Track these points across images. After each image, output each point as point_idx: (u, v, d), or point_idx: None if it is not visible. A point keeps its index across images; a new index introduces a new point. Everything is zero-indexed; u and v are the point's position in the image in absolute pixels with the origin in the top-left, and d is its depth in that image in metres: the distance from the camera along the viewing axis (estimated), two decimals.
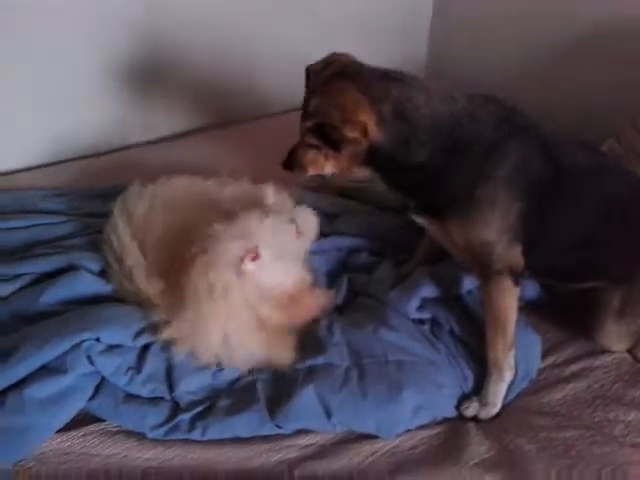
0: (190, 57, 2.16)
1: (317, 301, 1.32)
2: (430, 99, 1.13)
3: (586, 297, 1.34)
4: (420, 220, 1.26)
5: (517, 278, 1.21)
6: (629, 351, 1.35)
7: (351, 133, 1.10)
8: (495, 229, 1.16)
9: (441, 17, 2.80)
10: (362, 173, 1.27)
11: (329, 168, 1.21)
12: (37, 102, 1.91)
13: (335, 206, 1.71)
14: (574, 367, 1.33)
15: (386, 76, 1.14)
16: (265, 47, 2.31)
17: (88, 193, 1.76)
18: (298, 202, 1.47)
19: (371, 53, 1.30)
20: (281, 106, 2.35)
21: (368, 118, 1.10)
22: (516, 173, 1.15)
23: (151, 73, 2.11)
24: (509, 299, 1.21)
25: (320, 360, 1.20)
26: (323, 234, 1.56)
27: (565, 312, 1.43)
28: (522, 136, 1.17)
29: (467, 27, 2.67)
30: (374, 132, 1.11)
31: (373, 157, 1.16)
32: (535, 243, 1.21)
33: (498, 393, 1.22)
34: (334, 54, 1.21)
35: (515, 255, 1.20)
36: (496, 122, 1.16)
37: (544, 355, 1.34)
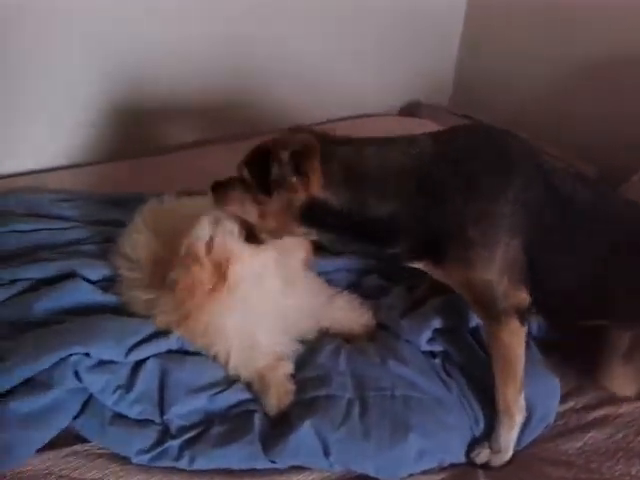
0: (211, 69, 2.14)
1: None
2: (379, 150, 1.07)
3: (592, 336, 1.25)
4: (413, 265, 1.16)
5: (524, 316, 1.12)
6: None
7: (292, 176, 1.01)
8: (494, 269, 1.08)
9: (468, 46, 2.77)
10: (299, 233, 1.12)
11: (253, 214, 1.09)
12: (50, 103, 1.89)
13: None
14: (595, 414, 1.23)
15: (334, 141, 1.08)
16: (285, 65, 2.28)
17: (99, 199, 1.72)
18: None
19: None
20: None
21: (316, 169, 1.02)
22: (512, 209, 1.06)
23: (168, 82, 2.08)
24: (517, 340, 1.12)
25: (322, 392, 1.12)
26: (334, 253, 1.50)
27: (581, 351, 1.33)
28: (518, 169, 1.09)
29: (494, 51, 2.63)
30: (318, 187, 1.03)
31: (314, 215, 1.06)
32: (538, 279, 1.13)
33: (510, 439, 1.13)
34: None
35: (519, 293, 1.11)
36: (481, 156, 1.09)
37: (563, 399, 1.24)
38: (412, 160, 1.06)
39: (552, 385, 1.22)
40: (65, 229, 1.53)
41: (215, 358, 1.18)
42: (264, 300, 1.20)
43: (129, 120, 2.06)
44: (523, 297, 1.12)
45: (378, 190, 1.05)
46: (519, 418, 1.14)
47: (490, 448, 1.13)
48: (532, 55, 2.44)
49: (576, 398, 1.27)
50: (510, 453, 1.14)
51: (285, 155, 1.01)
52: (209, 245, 1.13)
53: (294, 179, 1.02)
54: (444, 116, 2.68)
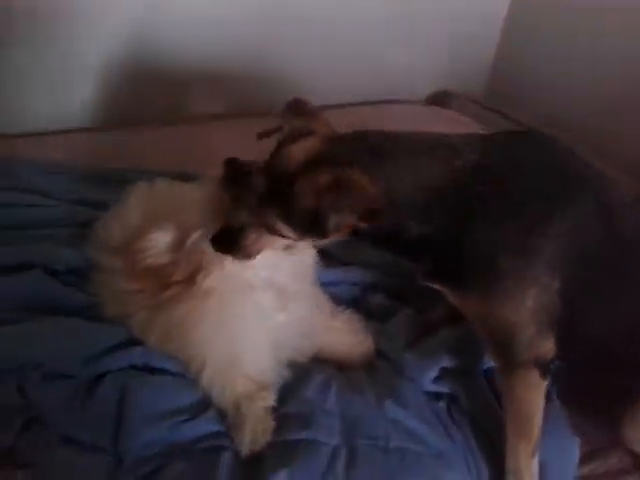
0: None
1: None
2: (418, 163, 0.90)
3: (618, 389, 1.08)
4: (433, 286, 1.00)
5: (546, 368, 0.95)
6: None
7: (349, 218, 0.85)
8: (524, 311, 0.90)
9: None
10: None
11: (280, 245, 0.96)
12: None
13: None
14: None
15: (373, 151, 0.89)
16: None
17: (85, 174, 1.55)
18: None
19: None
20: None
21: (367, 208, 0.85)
22: (559, 243, 0.89)
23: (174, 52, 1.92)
24: (535, 394, 0.96)
25: (304, 435, 0.95)
26: (340, 261, 1.33)
27: (604, 406, 1.16)
28: (575, 197, 0.91)
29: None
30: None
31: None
32: (570, 328, 0.95)
33: None
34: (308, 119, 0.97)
35: (546, 342, 0.94)
36: (532, 175, 0.91)
37: (582, 461, 1.07)
38: (453, 176, 0.89)
39: (570, 444, 1.05)
40: (42, 207, 1.37)
41: (187, 368, 1.02)
42: (252, 314, 1.04)
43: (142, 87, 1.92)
44: (549, 347, 0.95)
45: (414, 214, 0.90)
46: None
47: None
48: (582, 52, 2.22)
49: (597, 461, 1.09)
50: None
51: (344, 203, 0.83)
52: (178, 241, 0.98)
53: (350, 219, 0.85)
54: (475, 109, 2.48)
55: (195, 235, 0.97)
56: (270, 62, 2.10)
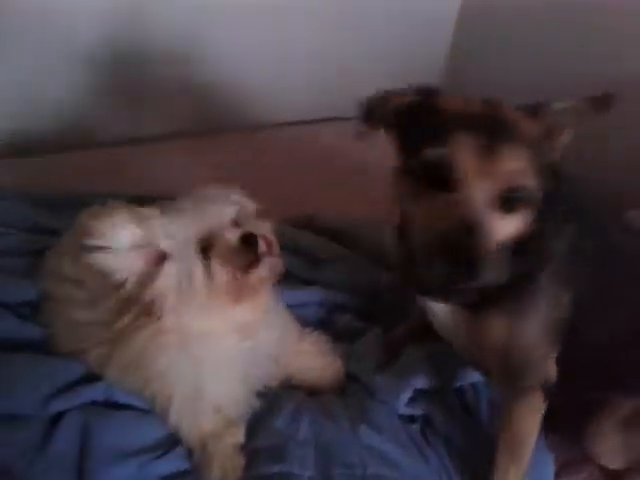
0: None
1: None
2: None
3: (587, 401, 1.09)
4: (436, 307, 0.96)
5: (549, 391, 0.94)
6: None
7: None
8: (540, 328, 0.90)
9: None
10: None
11: None
12: None
13: (320, 249, 1.43)
14: None
15: None
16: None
17: (39, 200, 1.48)
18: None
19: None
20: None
21: None
22: (569, 259, 0.90)
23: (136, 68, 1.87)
24: (535, 418, 0.95)
25: (277, 468, 0.92)
26: (304, 281, 1.31)
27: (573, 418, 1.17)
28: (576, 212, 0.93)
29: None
30: None
31: None
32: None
33: None
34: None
35: (552, 363, 0.93)
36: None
37: (555, 476, 1.07)
38: None
39: (546, 459, 1.05)
40: None
41: (152, 404, 0.97)
42: (216, 342, 0.99)
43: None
44: (554, 367, 0.94)
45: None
46: None
47: None
48: (530, 64, 2.28)
49: (569, 476, 1.09)
50: None
51: None
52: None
53: None
54: None
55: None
56: (225, 78, 2.07)
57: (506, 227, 0.78)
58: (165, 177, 1.64)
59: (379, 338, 1.20)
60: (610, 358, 1.01)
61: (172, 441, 0.96)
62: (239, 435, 0.96)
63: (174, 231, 0.89)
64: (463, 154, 0.74)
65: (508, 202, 0.76)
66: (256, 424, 1.00)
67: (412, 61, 2.48)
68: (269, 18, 2.02)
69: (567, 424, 1.13)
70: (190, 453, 0.95)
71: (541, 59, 2.19)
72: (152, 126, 2.00)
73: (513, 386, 0.94)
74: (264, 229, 0.96)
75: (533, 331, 0.89)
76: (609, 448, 1.08)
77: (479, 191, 0.75)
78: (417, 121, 0.82)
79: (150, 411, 0.97)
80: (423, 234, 0.78)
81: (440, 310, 0.96)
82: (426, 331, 1.14)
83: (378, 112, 0.86)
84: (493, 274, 0.73)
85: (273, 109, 2.18)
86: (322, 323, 1.25)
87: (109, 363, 0.97)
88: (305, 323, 1.19)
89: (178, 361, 0.94)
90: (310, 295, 1.28)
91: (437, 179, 0.76)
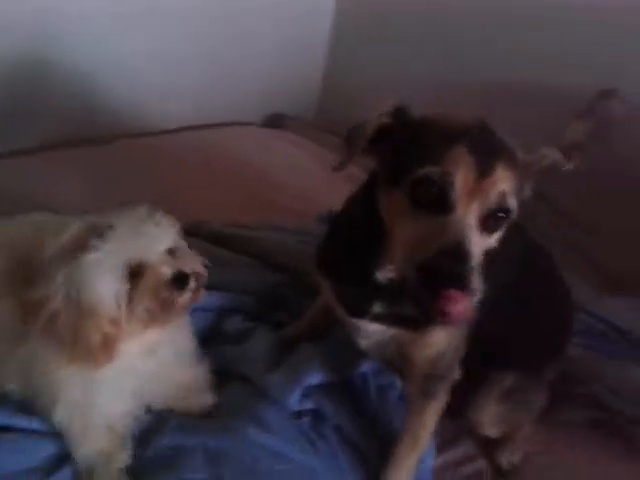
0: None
1: None
2: None
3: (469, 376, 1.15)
4: (371, 327, 0.97)
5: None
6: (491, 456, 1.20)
7: None
8: (455, 341, 0.96)
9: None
10: None
11: None
12: None
13: (205, 255, 1.42)
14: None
15: None
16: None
17: None
18: None
19: None
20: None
21: None
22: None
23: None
24: (439, 413, 1.03)
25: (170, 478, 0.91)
26: None
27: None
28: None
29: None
30: None
31: None
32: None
33: None
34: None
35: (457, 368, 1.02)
36: None
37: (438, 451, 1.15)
38: None
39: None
40: None
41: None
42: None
43: None
44: (458, 372, 1.02)
45: None
46: None
47: None
48: (400, 72, 2.43)
49: (448, 451, 1.18)
50: None
51: None
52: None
53: None
54: (308, 130, 2.60)
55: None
56: (103, 85, 2.01)
57: (485, 245, 0.77)
58: (35, 191, 1.57)
59: (270, 337, 1.22)
60: (494, 337, 1.10)
61: (59, 461, 0.93)
62: (126, 458, 0.95)
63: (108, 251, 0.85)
64: (460, 173, 0.72)
65: (494, 221, 0.76)
66: (145, 437, 0.99)
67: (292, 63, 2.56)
68: (131, 22, 2.00)
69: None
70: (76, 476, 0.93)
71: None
72: (23, 139, 1.90)
73: (428, 390, 1.00)
74: (196, 264, 0.95)
75: (461, 339, 0.96)
76: (491, 418, 1.17)
77: (473, 211, 0.73)
78: (404, 140, 0.80)
79: (34, 431, 0.93)
80: (415, 257, 0.73)
81: (374, 331, 0.98)
82: (323, 328, 1.21)
83: (359, 141, 0.83)
84: (481, 290, 0.72)
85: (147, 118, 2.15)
86: (211, 328, 1.25)
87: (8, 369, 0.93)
88: (194, 329, 1.19)
89: (71, 374, 0.91)
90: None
91: (429, 198, 0.74)
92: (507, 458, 1.17)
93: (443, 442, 1.19)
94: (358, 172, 1.98)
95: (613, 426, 1.26)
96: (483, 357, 1.10)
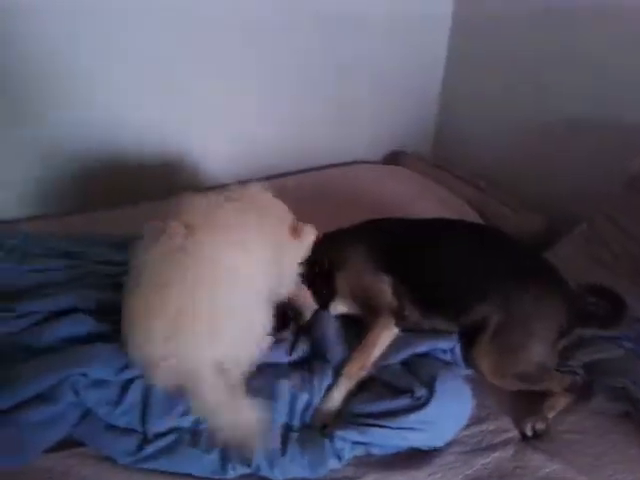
0: None
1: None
2: None
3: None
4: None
5: (400, 317, 1.61)
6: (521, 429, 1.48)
7: None
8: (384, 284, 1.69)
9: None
10: None
11: None
12: None
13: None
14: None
15: None
16: None
17: (102, 241, 2.00)
18: None
19: None
20: None
21: None
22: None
23: None
24: (385, 332, 1.58)
25: None
26: None
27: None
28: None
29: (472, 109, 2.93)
30: None
31: None
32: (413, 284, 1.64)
33: (339, 398, 1.48)
34: None
35: (396, 301, 1.64)
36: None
37: (480, 420, 1.48)
38: None
39: (464, 392, 1.49)
40: (72, 267, 1.82)
41: None
42: None
43: None
44: (398, 305, 1.64)
45: None
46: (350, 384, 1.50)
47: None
48: (504, 114, 2.73)
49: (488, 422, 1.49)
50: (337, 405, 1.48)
51: None
52: None
53: None
54: (422, 166, 2.96)
55: None
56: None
57: None
58: None
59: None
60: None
61: None
62: None
63: None
64: None
65: None
66: None
67: None
68: None
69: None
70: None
71: None
72: None
73: (374, 315, 1.61)
74: None
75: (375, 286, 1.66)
76: (482, 356, 1.55)
77: None
78: None
79: None
80: None
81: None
82: None
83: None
84: None
85: None
86: None
87: None
88: None
89: None
90: None
91: None
92: (532, 425, 1.46)
93: (480, 417, 1.50)
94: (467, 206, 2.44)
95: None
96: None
